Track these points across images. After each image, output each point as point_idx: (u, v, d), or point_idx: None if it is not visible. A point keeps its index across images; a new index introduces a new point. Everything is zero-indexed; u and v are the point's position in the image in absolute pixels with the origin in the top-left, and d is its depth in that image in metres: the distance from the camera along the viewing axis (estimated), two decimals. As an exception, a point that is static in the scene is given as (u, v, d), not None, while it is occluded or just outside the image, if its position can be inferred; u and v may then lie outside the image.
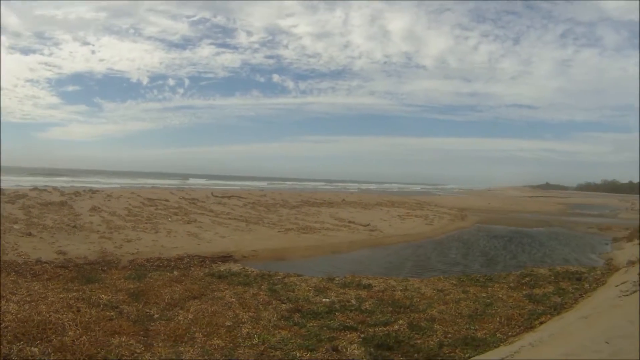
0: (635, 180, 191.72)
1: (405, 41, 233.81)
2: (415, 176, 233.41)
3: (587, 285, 13.00)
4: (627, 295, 9.67)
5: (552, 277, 14.30)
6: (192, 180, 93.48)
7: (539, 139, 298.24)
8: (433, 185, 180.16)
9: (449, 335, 8.53)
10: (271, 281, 12.59)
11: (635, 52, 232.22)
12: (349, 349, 7.66)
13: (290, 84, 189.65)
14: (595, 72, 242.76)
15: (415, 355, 7.51)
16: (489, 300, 11.25)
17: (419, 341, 8.14)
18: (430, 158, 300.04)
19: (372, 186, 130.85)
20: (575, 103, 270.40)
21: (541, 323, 9.24)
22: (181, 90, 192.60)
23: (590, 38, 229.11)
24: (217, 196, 35.04)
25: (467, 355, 7.48)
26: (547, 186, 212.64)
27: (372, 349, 7.60)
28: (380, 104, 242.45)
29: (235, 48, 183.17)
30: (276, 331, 8.39)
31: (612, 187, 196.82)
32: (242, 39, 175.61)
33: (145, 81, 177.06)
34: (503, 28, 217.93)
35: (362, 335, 8.30)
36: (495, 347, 7.80)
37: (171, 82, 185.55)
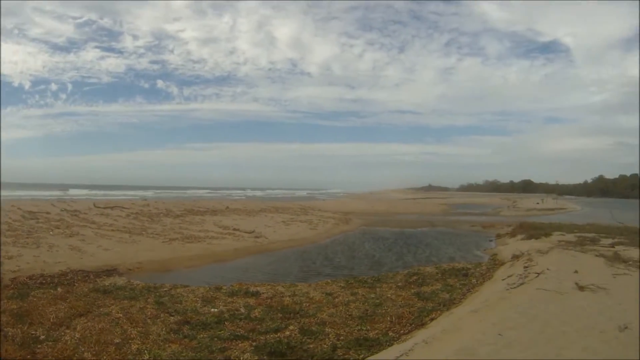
0: (515, 180, 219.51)
1: (291, 48, 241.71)
2: (300, 182, 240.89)
3: (474, 281, 14.77)
4: (514, 287, 11.24)
5: (439, 275, 15.93)
6: (73, 191, 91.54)
7: (421, 143, 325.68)
8: (318, 190, 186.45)
9: (342, 338, 9.31)
10: (158, 293, 13.00)
11: (517, 61, 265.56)
12: (241, 358, 8.15)
13: (174, 90, 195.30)
14: (477, 79, 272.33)
15: (309, 359, 8.16)
16: (378, 301, 12.34)
17: (311, 345, 8.81)
18: (315, 164, 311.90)
19: (258, 193, 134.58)
20: (457, 108, 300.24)
21: (432, 319, 10.36)
22: (64, 96, 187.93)
23: (474, 47, 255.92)
24: (99, 207, 34.47)
25: (361, 356, 8.24)
26: (429, 188, 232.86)
27: (265, 357, 8.15)
28: (265, 111, 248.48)
29: (120, 52, 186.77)
30: (166, 345, 8.70)
31: (494, 187, 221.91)
32: (127, 42, 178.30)
33: (27, 85, 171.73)
34: (389, 37, 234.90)
35: (254, 344, 8.83)
36: (388, 346, 8.67)
37: (54, 87, 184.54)
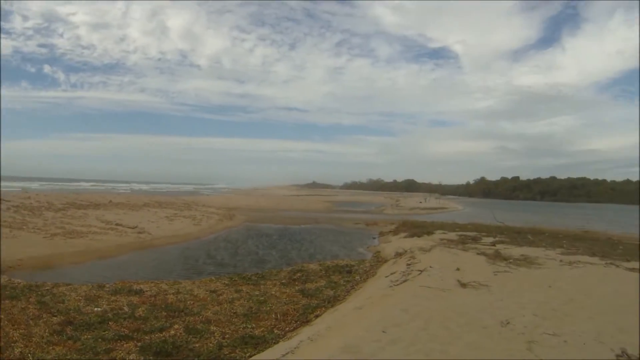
0: (399, 179, 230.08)
1: (182, 39, 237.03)
2: (186, 176, 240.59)
3: (357, 278, 14.95)
4: (397, 285, 11.41)
5: (323, 272, 16.02)
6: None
7: (307, 141, 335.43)
8: (203, 185, 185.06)
9: (227, 336, 9.16)
10: (40, 292, 12.30)
11: (406, 64, 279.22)
12: (127, 359, 7.84)
13: (61, 76, 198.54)
14: (366, 80, 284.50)
15: (196, 359, 7.94)
16: (262, 298, 12.25)
17: (197, 345, 8.60)
18: (202, 157, 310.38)
19: (144, 187, 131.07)
20: (344, 108, 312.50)
21: (317, 316, 10.38)
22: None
23: (365, 49, 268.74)
24: (-24, 200, 30.70)
25: (247, 355, 8.09)
26: (314, 185, 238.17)
27: (150, 357, 7.89)
28: (152, 102, 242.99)
29: (8, 33, 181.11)
30: (50, 348, 8.25)
31: (378, 186, 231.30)
32: (17, 23, 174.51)
33: None
34: (281, 33, 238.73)
35: (139, 344, 8.50)
36: (274, 343, 8.57)
37: None
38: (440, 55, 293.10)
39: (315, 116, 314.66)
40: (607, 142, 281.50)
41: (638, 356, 6.17)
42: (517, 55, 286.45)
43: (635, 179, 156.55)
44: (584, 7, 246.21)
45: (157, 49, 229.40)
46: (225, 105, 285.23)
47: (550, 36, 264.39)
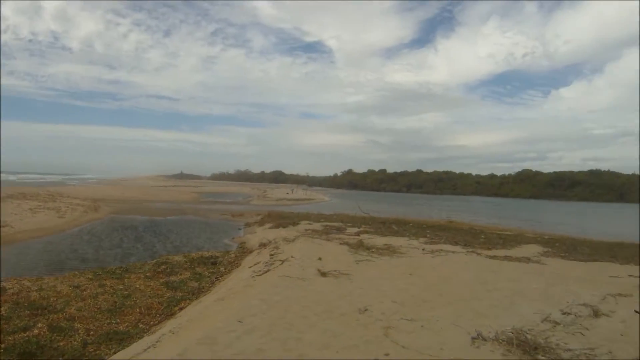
0: (267, 171, 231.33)
1: (55, 20, 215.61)
2: (53, 166, 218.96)
3: (222, 269, 15.00)
4: (259, 275, 11.58)
5: (188, 263, 15.82)
6: None
7: (176, 130, 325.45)
8: (70, 176, 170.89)
9: (92, 333, 8.84)
10: None
11: (280, 57, 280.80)
12: None
13: None
14: (239, 70, 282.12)
15: (60, 358, 7.58)
16: (127, 292, 11.88)
17: (62, 343, 8.21)
18: (69, 146, 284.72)
19: (11, 177, 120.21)
20: (215, 97, 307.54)
21: (181, 309, 10.33)
22: None
23: (239, 39, 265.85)
24: None
25: (112, 351, 7.86)
26: (181, 175, 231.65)
27: (14, 359, 7.41)
28: (19, 86, 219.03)
29: None
30: None
31: (245, 177, 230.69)
32: None
33: None
34: (157, 19, 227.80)
35: (3, 346, 7.90)
36: (139, 338, 8.42)
37: None
38: (314, 49, 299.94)
39: (186, 105, 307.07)
40: (473, 139, 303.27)
41: (493, 337, 6.62)
42: (391, 53, 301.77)
43: (499, 173, 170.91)
44: (461, 12, 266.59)
45: (28, 29, 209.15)
46: (95, 91, 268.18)
47: (425, 37, 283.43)
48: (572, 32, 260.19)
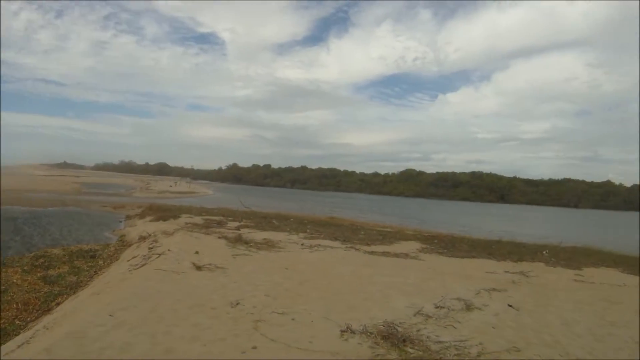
0: (151, 162, 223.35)
1: None
2: None
3: (101, 262, 14.94)
4: (136, 269, 11.71)
5: (67, 257, 15.48)
6: None
7: (61, 117, 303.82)
8: None
9: None
10: None
11: (172, 46, 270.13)
12: None
13: None
14: (129, 58, 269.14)
15: None
16: (4, 287, 11.46)
17: None
18: None
19: None
20: (103, 84, 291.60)
21: (58, 304, 10.28)
22: None
23: (132, 26, 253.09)
24: None
25: None
26: (64, 165, 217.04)
27: None
28: None
29: None
30: None
31: (129, 168, 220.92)
32: None
33: None
34: None
35: None
36: (15, 335, 8.28)
37: None
38: (207, 40, 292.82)
39: (73, 91, 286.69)
40: (359, 138, 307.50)
41: (362, 330, 7.07)
42: (283, 49, 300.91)
43: (383, 171, 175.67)
44: (356, 13, 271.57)
45: None
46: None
47: (318, 35, 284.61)
48: (463, 41, 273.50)
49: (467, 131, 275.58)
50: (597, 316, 9.42)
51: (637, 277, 14.71)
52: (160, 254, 13.16)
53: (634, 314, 9.70)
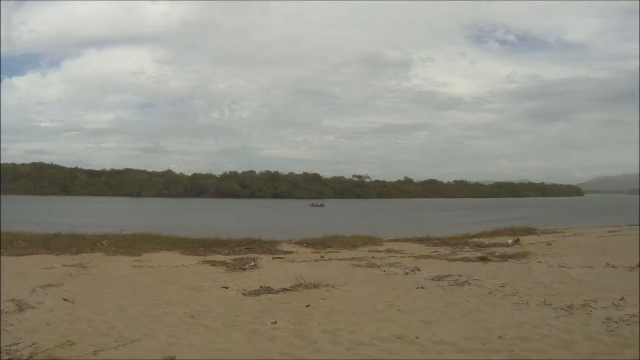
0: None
1: None
2: None
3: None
4: None
5: None
6: None
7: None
8: None
9: None
10: None
11: None
12: None
13: None
14: None
15: None
16: None
17: None
18: None
19: None
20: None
21: None
22: None
23: None
24: None
25: None
26: None
27: None
28: None
29: None
30: None
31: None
32: None
33: None
34: None
35: None
36: None
37: None
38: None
39: None
40: None
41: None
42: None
43: None
44: None
45: None
46: None
47: None
48: (39, 23, 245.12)
49: (30, 119, 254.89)
50: (153, 297, 9.77)
51: (195, 257, 16.12)
52: None
53: (189, 291, 10.50)
